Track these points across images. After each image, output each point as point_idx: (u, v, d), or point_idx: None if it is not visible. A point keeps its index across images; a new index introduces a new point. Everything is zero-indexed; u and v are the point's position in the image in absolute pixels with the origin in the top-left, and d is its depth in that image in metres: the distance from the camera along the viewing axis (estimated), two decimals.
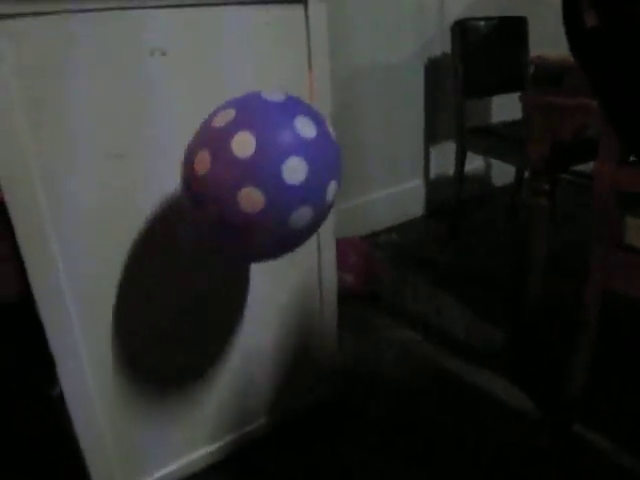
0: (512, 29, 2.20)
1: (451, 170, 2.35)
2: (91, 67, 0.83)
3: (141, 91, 0.88)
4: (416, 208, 2.51)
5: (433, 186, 2.53)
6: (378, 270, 1.91)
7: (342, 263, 1.78)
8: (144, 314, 1.00)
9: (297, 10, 1.00)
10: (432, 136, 2.46)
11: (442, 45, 2.29)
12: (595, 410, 1.28)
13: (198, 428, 1.15)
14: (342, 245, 1.83)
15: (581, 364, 1.20)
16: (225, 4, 0.92)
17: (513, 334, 1.61)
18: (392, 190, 2.39)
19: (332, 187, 0.80)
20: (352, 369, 1.49)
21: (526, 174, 2.33)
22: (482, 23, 2.11)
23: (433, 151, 2.49)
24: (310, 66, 1.03)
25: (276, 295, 1.17)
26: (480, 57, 2.11)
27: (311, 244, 1.18)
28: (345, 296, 1.76)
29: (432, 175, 2.52)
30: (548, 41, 2.34)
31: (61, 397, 0.94)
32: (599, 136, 1.02)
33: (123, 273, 0.95)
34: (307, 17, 1.01)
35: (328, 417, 1.32)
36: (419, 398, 1.37)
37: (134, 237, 0.95)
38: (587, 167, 1.87)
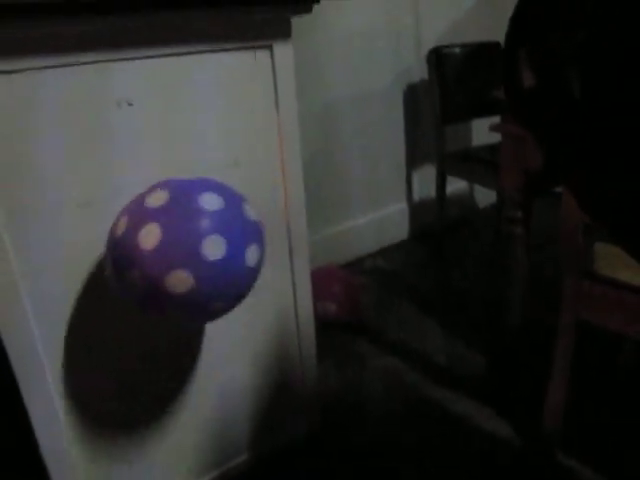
0: (487, 54, 2.24)
1: (434, 193, 2.37)
2: (58, 120, 0.84)
3: (108, 141, 0.90)
4: (400, 232, 2.52)
5: (416, 210, 2.55)
6: (361, 298, 1.92)
7: (324, 292, 1.80)
8: (114, 357, 1.01)
9: (263, 55, 1.02)
10: (414, 160, 2.48)
11: (420, 72, 2.33)
12: (578, 438, 1.28)
13: (178, 467, 1.15)
14: (322, 274, 1.84)
15: (557, 390, 1.21)
16: (190, 53, 0.94)
17: (494, 360, 1.62)
18: (375, 215, 2.41)
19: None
20: (335, 399, 1.49)
21: None
22: (457, 50, 2.15)
23: (415, 175, 2.52)
24: (278, 110, 1.05)
25: (252, 332, 1.18)
26: (457, 83, 2.15)
27: (285, 279, 1.19)
28: (328, 324, 1.77)
29: (415, 198, 2.54)
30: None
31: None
32: None
33: (92, 318, 0.96)
34: (273, 62, 1.03)
35: (311, 448, 1.31)
36: (403, 428, 1.37)
37: (101, 283, 0.95)
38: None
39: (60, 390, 0.95)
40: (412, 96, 2.37)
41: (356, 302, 1.85)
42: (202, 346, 1.11)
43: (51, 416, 0.94)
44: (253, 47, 1.00)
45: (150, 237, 0.76)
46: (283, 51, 1.03)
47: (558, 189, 1.83)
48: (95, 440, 1.02)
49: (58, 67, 0.83)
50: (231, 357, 1.16)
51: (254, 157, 1.06)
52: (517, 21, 0.59)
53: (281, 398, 1.27)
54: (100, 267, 0.93)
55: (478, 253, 2.36)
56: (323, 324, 1.28)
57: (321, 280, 1.78)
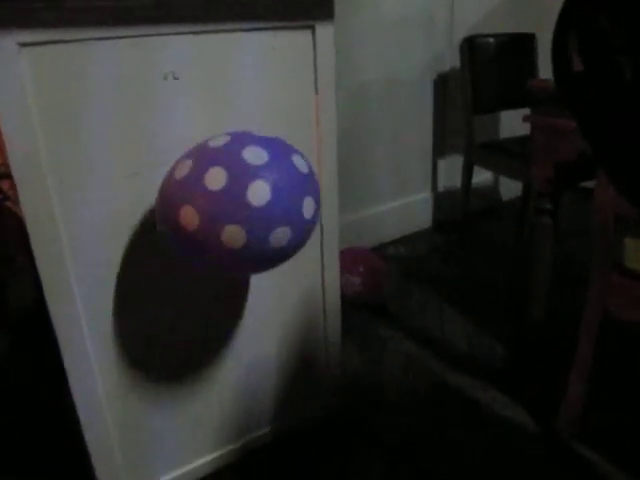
0: (520, 45, 2.22)
1: (459, 183, 2.37)
2: (107, 91, 0.87)
3: (155, 113, 0.92)
4: (424, 221, 2.53)
5: (441, 199, 2.55)
6: (385, 281, 1.94)
7: (351, 268, 1.82)
8: (148, 325, 1.04)
9: (305, 35, 1.03)
10: (440, 150, 2.48)
11: (451, 60, 2.32)
12: (594, 428, 1.29)
13: (203, 436, 1.19)
14: (352, 253, 1.87)
15: (579, 382, 1.22)
16: (234, 31, 0.95)
17: (516, 349, 1.63)
18: (400, 202, 2.42)
19: (307, 204, 0.86)
20: (356, 381, 1.51)
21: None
22: (491, 40, 2.14)
23: (441, 164, 2.51)
24: (316, 90, 1.07)
25: (279, 308, 1.20)
26: (489, 73, 2.14)
27: (314, 258, 1.21)
28: (351, 302, 1.78)
29: (440, 188, 2.54)
30: None
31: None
32: None
33: (129, 283, 0.99)
34: (314, 42, 1.04)
35: (331, 428, 1.34)
36: (422, 412, 1.39)
37: (141, 248, 0.98)
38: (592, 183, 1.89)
39: (94, 345, 0.98)
40: (442, 85, 2.36)
41: (380, 284, 1.87)
42: (234, 319, 1.14)
43: (90, 378, 0.98)
44: (296, 27, 1.02)
45: (260, 194, 0.78)
46: (325, 32, 1.05)
47: (587, 184, 1.83)
48: (124, 403, 1.06)
49: (107, 39, 0.85)
50: (259, 333, 1.19)
51: (292, 136, 1.07)
52: (568, 7, 0.59)
53: (304, 376, 1.30)
54: (144, 231, 0.96)
55: (501, 244, 2.36)
56: (345, 301, 1.29)
57: (348, 257, 1.82)
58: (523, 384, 1.48)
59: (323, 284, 1.25)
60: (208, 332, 1.12)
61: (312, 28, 1.03)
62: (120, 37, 0.86)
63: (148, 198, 0.94)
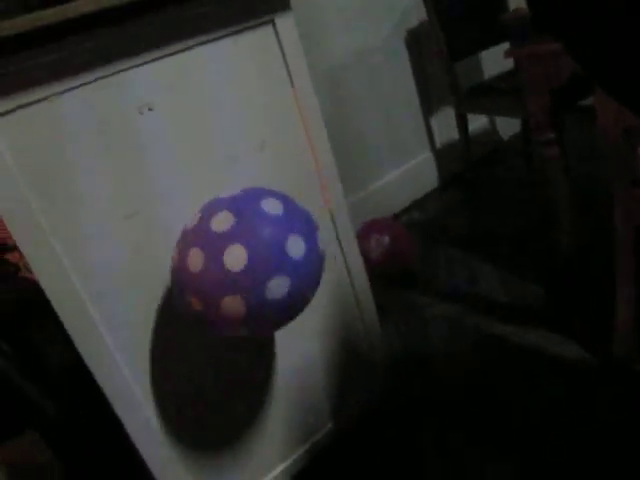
0: None
1: (456, 135, 2.33)
2: (88, 138, 0.86)
3: (139, 149, 0.91)
4: (430, 181, 2.50)
5: (442, 155, 2.51)
6: (411, 248, 1.92)
7: (378, 233, 1.83)
8: (193, 350, 1.04)
9: (267, 31, 1.01)
10: (429, 106, 2.44)
11: (417, 14, 2.27)
12: None
13: (269, 450, 1.19)
14: (376, 223, 1.88)
15: (626, 300, 1.19)
16: (195, 46, 0.93)
17: (553, 287, 1.60)
18: (403, 169, 2.39)
19: (293, 243, 0.84)
20: (402, 355, 1.50)
21: None
22: None
23: (434, 120, 2.47)
24: (292, 82, 1.05)
25: (312, 304, 1.19)
26: (458, 18, 2.09)
27: (331, 245, 1.20)
28: (381, 275, 1.77)
29: (438, 145, 2.50)
30: None
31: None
32: None
33: (162, 318, 0.99)
34: (278, 36, 1.02)
35: (392, 409, 1.34)
36: (476, 371, 1.38)
37: (163, 286, 0.98)
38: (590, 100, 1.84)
39: (144, 386, 0.98)
40: (414, 40, 2.32)
41: (407, 250, 1.85)
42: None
43: (143, 416, 0.98)
44: (255, 25, 0.99)
45: (237, 258, 0.78)
46: (285, 23, 1.02)
47: (584, 103, 1.78)
48: (185, 427, 1.06)
49: (73, 89, 0.84)
50: (299, 333, 1.18)
51: (279, 134, 1.06)
52: None
53: (351, 364, 1.29)
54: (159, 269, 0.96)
55: (513, 185, 2.32)
56: (374, 275, 1.28)
57: (373, 227, 1.86)
58: (567, 318, 1.45)
59: (347, 269, 1.24)
60: (249, 344, 1.12)
61: (272, 22, 1.01)
62: (87, 83, 0.85)
63: (151, 234, 0.94)
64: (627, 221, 1.10)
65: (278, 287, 0.80)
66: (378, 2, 2.16)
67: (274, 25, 1.01)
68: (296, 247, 0.82)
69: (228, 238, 0.79)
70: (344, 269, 1.24)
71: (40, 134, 0.82)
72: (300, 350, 1.19)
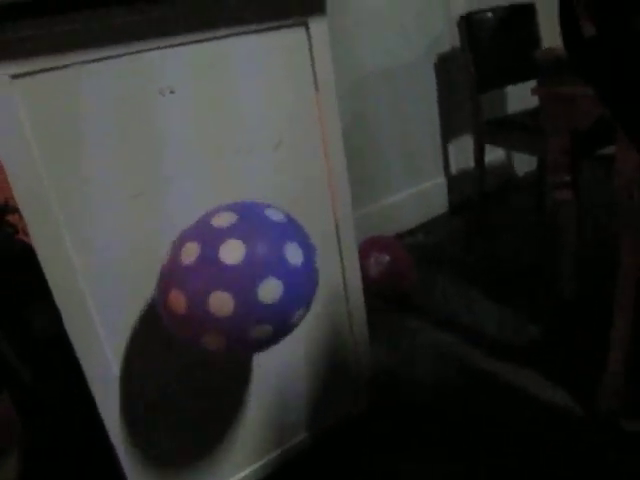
0: (521, 17, 2.16)
1: (471, 164, 2.32)
2: (105, 113, 0.86)
3: (155, 129, 0.91)
4: (440, 206, 2.49)
5: (455, 182, 2.51)
6: (409, 270, 1.90)
7: (378, 251, 1.82)
8: (174, 344, 1.02)
9: (299, 33, 1.01)
10: (449, 132, 2.44)
11: (450, 40, 2.27)
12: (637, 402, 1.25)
13: (240, 450, 1.17)
14: (377, 241, 1.87)
15: (618, 355, 1.18)
16: (227, 36, 0.93)
17: (549, 328, 1.58)
18: (414, 190, 2.38)
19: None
20: (388, 375, 1.49)
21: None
22: (489, 14, 2.08)
23: (451, 147, 2.47)
24: (316, 87, 1.04)
25: None
26: (490, 49, 2.09)
27: (333, 259, 1.19)
28: (376, 293, 1.75)
29: (453, 171, 2.50)
30: (557, 25, 2.30)
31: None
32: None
33: (151, 304, 0.98)
34: (309, 39, 1.01)
35: (367, 427, 1.32)
36: (458, 402, 1.36)
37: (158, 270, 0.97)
38: (608, 149, 1.83)
39: (119, 369, 0.97)
40: (443, 66, 2.32)
41: (405, 271, 1.84)
42: None
43: (112, 395, 0.97)
44: (289, 25, 0.99)
45: (234, 252, 0.76)
46: (318, 27, 1.02)
47: (603, 152, 1.77)
48: (158, 422, 1.05)
49: (99, 60, 0.83)
50: (286, 339, 1.16)
51: (296, 136, 1.06)
52: None
53: (335, 377, 1.28)
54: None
55: (521, 222, 2.31)
56: (370, 293, 1.27)
57: (374, 244, 1.85)
58: (559, 363, 1.44)
59: (344, 281, 1.23)
60: None
61: (305, 25, 1.01)
62: (112, 57, 0.84)
63: (155, 217, 0.93)
64: (630, 270, 1.09)
65: (271, 290, 0.77)
66: (413, 23, 2.17)
67: (307, 28, 1.01)
68: (294, 254, 0.80)
69: (227, 232, 0.78)
70: (341, 281, 1.23)
71: (58, 101, 0.81)
72: (284, 356, 1.18)
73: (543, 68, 1.33)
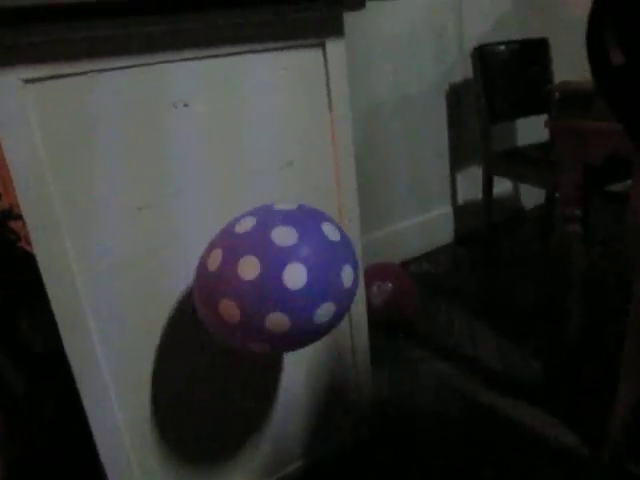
0: (533, 51, 2.18)
1: (479, 195, 2.31)
2: (116, 122, 0.84)
3: (165, 142, 0.89)
4: (445, 235, 2.47)
5: (461, 212, 2.49)
6: (413, 298, 1.88)
7: (381, 279, 1.79)
8: (176, 367, 1.00)
9: (315, 54, 1.00)
10: (457, 162, 2.43)
11: (463, 71, 2.29)
12: None
13: (233, 476, 1.13)
14: (382, 267, 1.84)
15: (627, 397, 1.14)
16: (244, 53, 0.93)
17: (553, 366, 1.55)
18: (420, 218, 2.36)
19: (346, 273, 0.82)
20: (387, 405, 1.45)
21: (557, 196, 2.28)
22: (502, 47, 2.10)
23: (459, 177, 2.46)
24: (331, 109, 1.03)
25: None
26: (502, 81, 2.10)
27: None
28: (379, 322, 1.72)
29: (460, 201, 2.49)
30: (570, 61, 2.32)
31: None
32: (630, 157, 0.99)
33: (152, 321, 0.95)
34: (326, 60, 1.01)
35: (365, 456, 1.28)
36: (457, 436, 1.33)
37: (163, 289, 0.95)
38: (617, 186, 1.82)
39: (120, 397, 0.94)
40: (455, 96, 2.33)
41: (408, 300, 1.81)
42: (261, 358, 1.10)
43: (110, 422, 0.94)
44: (306, 45, 0.99)
45: (297, 277, 0.76)
46: (336, 49, 1.02)
47: (612, 188, 1.76)
48: (156, 444, 1.01)
49: (113, 70, 0.83)
50: (287, 368, 1.14)
51: (308, 157, 1.04)
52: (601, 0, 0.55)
53: (335, 405, 1.25)
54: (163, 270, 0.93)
55: (527, 254, 2.29)
56: (372, 321, 1.25)
57: (378, 271, 1.83)
58: (563, 401, 1.40)
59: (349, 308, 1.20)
60: (235, 374, 1.07)
61: (322, 45, 1.00)
62: (126, 67, 0.83)
63: (161, 231, 0.91)
64: None
65: (326, 313, 0.79)
66: (427, 52, 2.18)
67: (324, 48, 1.00)
68: (348, 277, 0.81)
69: (290, 254, 0.77)
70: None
71: (70, 109, 0.80)
72: (285, 385, 1.15)
73: (557, 101, 1.32)
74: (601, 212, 1.99)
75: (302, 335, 0.81)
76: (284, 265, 0.75)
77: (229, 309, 0.77)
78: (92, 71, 0.81)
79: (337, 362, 1.22)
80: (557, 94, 1.30)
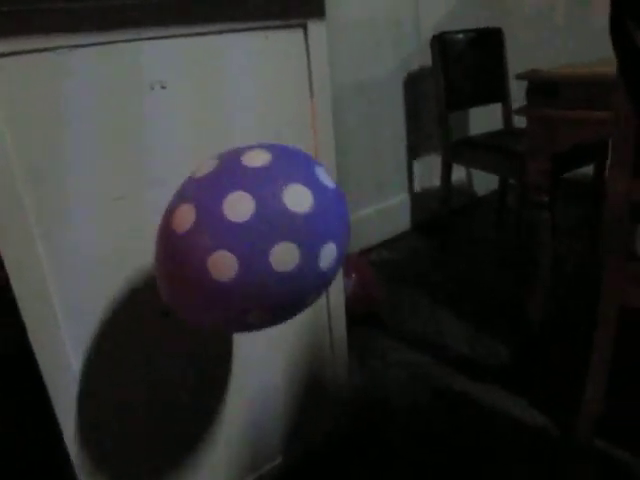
0: (489, 41, 2.21)
1: (435, 182, 2.34)
2: (88, 105, 0.77)
3: (142, 127, 0.83)
4: (403, 223, 2.49)
5: (418, 200, 2.51)
6: (377, 288, 1.87)
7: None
8: (146, 361, 0.94)
9: (297, 35, 0.96)
10: (414, 150, 2.45)
11: (420, 59, 2.29)
12: (616, 424, 1.25)
13: (213, 474, 1.09)
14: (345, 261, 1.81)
15: (598, 381, 1.18)
16: (224, 32, 0.87)
17: (519, 346, 1.59)
18: (378, 206, 2.36)
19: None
20: (362, 396, 1.44)
21: (510, 181, 2.34)
22: (460, 36, 2.11)
23: (416, 164, 2.48)
24: (312, 91, 0.99)
25: (284, 334, 1.12)
26: (460, 69, 2.11)
27: None
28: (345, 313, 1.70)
29: (417, 189, 2.51)
30: (523, 51, 2.37)
31: None
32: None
33: (125, 319, 0.89)
34: (307, 42, 0.97)
35: (344, 449, 1.26)
36: (430, 421, 1.33)
37: (137, 281, 0.88)
38: (575, 173, 1.88)
39: (85, 392, 0.87)
40: (412, 84, 2.33)
41: (372, 290, 1.80)
42: (235, 350, 1.05)
43: (82, 422, 0.87)
44: (288, 26, 0.94)
45: (302, 199, 0.65)
46: (317, 30, 0.98)
47: (568, 175, 1.81)
48: (128, 443, 0.95)
49: (84, 47, 0.75)
50: (263, 360, 1.10)
51: (287, 141, 1.00)
52: None
53: (313, 399, 1.22)
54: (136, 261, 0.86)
55: (483, 240, 2.33)
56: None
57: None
58: (532, 384, 1.43)
59: (328, 300, 1.17)
60: (212, 363, 1.02)
61: (304, 27, 0.96)
62: (99, 43, 0.76)
63: (138, 224, 0.85)
64: (613, 293, 1.09)
65: (330, 254, 0.68)
66: (387, 39, 2.17)
67: (305, 29, 0.96)
68: (345, 221, 0.75)
69: (286, 178, 0.66)
70: (325, 302, 1.17)
71: (38, 89, 0.72)
72: (261, 379, 1.11)
73: (526, 91, 1.33)
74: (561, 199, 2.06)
75: (308, 280, 0.67)
76: (282, 189, 0.65)
77: (222, 262, 0.63)
78: (60, 47, 0.73)
79: (315, 357, 1.19)
80: (527, 83, 1.32)
